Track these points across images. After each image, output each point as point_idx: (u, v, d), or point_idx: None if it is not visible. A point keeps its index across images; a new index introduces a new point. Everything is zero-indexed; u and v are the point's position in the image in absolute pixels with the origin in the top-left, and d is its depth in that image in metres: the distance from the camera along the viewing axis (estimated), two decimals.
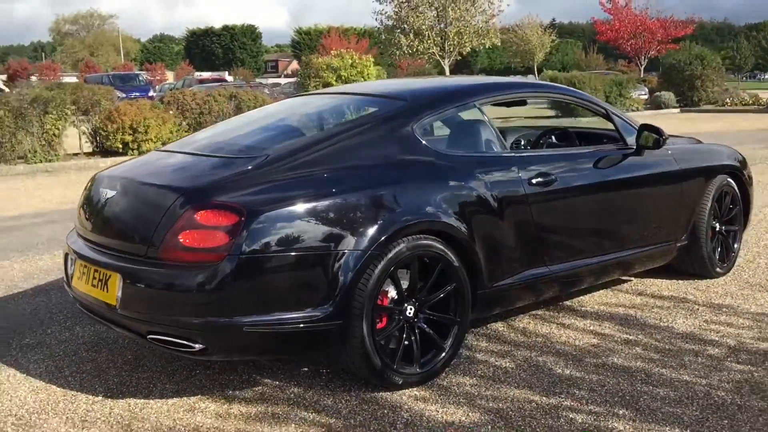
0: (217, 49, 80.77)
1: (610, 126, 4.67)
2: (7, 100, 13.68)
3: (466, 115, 4.01)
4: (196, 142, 3.99)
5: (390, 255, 3.29)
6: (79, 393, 3.49)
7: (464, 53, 21.62)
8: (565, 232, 4.17)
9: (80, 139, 14.60)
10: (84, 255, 3.44)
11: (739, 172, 5.25)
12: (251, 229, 3.02)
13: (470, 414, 3.19)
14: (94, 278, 3.34)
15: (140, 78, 33.85)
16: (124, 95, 28.62)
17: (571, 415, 3.15)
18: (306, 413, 3.23)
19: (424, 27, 19.92)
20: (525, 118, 6.90)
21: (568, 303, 4.70)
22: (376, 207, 3.29)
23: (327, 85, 17.56)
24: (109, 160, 12.88)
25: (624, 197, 4.48)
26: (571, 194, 4.14)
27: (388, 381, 3.37)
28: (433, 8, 19.79)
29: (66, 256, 3.69)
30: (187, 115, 15.26)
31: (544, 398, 3.33)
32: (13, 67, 62.37)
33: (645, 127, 4.50)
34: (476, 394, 3.40)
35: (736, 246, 5.33)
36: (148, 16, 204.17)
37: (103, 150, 14.56)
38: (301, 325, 3.12)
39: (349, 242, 3.18)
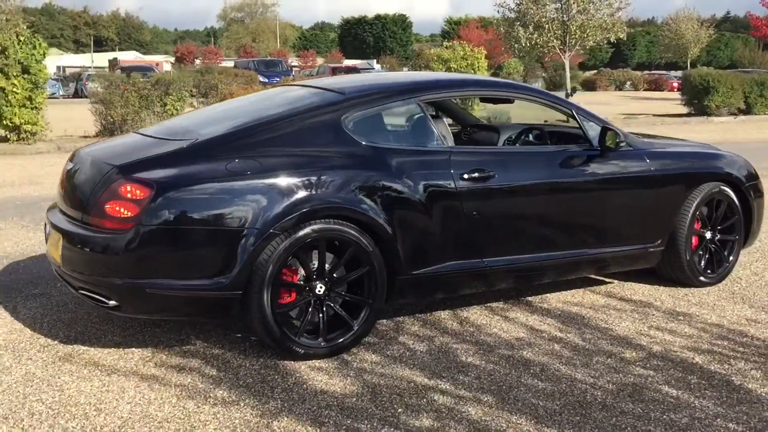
0: (369, 37, 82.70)
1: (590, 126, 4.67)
2: (134, 81, 14.98)
3: (405, 110, 4.23)
4: (164, 125, 4.47)
5: (295, 236, 3.60)
6: (42, 336, 4.07)
7: (587, 47, 21.03)
8: (506, 228, 4.29)
9: None
10: (51, 221, 4.00)
11: (738, 181, 5.08)
12: (159, 203, 3.44)
13: (348, 386, 3.46)
14: (53, 240, 3.89)
15: (283, 64, 35.54)
16: (266, 80, 30.23)
17: (435, 396, 3.35)
18: (211, 369, 3.63)
19: (544, 20, 19.63)
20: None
21: (530, 297, 4.80)
22: (285, 191, 3.61)
23: None
24: None
25: (580, 197, 4.52)
26: (513, 191, 4.25)
27: (289, 350, 3.70)
28: (556, 0, 19.45)
29: (45, 225, 4.28)
30: None
31: (425, 379, 3.54)
32: (180, 51, 66.82)
33: (606, 128, 4.51)
34: (369, 369, 3.66)
35: (731, 257, 5.16)
36: (312, 4, 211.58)
37: None
38: (202, 292, 3.51)
39: (252, 221, 3.52)
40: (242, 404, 3.27)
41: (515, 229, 4.33)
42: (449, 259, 4.11)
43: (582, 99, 31.96)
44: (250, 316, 3.62)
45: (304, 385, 3.47)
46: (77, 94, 30.63)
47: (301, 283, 3.75)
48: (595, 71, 49.98)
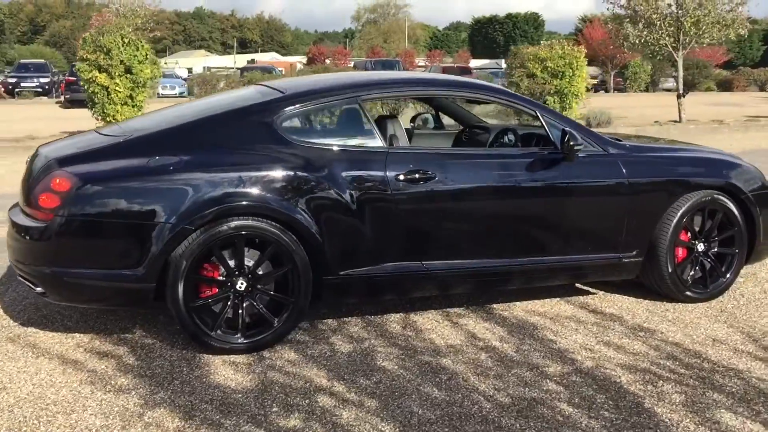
0: (499, 36, 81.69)
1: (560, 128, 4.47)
2: (232, 81, 15.65)
3: (344, 109, 4.21)
4: (123, 123, 4.65)
5: (210, 232, 3.69)
6: (7, 317, 4.38)
7: (703, 45, 19.73)
8: (449, 231, 4.18)
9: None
10: (9, 214, 4.28)
11: (736, 190, 4.69)
12: (77, 196, 3.62)
13: (245, 382, 3.51)
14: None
15: (399, 65, 35.85)
16: None
17: (320, 399, 3.34)
18: (131, 357, 3.78)
19: (655, 16, 18.64)
20: None
21: (495, 305, 4.65)
22: (203, 188, 3.70)
23: (532, 76, 17.38)
24: None
25: (536, 202, 4.33)
26: (456, 194, 4.14)
27: (204, 344, 3.79)
28: None
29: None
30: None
31: (324, 381, 3.52)
32: (312, 52, 68.81)
33: (564, 131, 4.29)
34: (277, 367, 3.69)
35: (728, 273, 4.76)
36: (450, 4, 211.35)
37: None
38: (117, 283, 3.67)
39: (166, 216, 3.64)
40: (133, 393, 3.39)
41: (460, 233, 4.21)
42: (385, 261, 4.06)
43: (708, 99, 30.26)
44: (168, 308, 3.74)
45: (204, 379, 3.55)
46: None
47: (222, 278, 3.82)
48: (735, 70, 46.84)
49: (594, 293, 4.92)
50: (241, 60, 74.23)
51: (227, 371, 3.64)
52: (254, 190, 3.78)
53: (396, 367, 3.70)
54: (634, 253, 4.55)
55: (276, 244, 3.81)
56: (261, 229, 3.78)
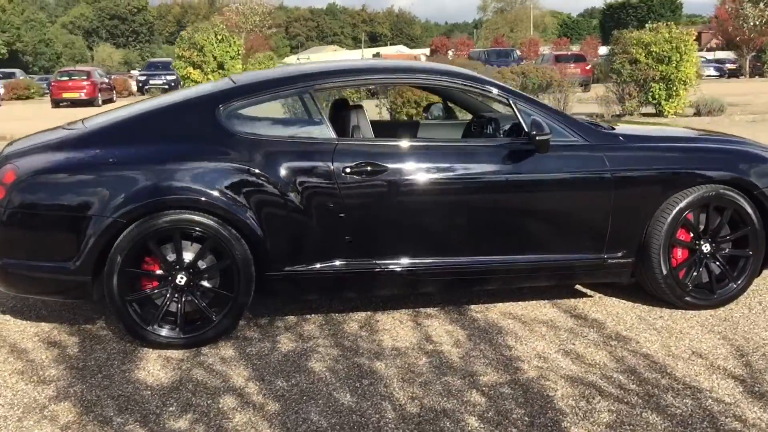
0: (632, 21, 77.87)
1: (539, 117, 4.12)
2: None
3: (294, 100, 4.05)
4: (90, 119, 4.65)
5: (145, 225, 3.67)
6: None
7: None
8: (404, 228, 3.95)
9: (380, 111, 16.14)
10: None
11: (748, 185, 4.16)
12: (19, 188, 3.69)
13: (162, 379, 3.46)
14: None
15: (514, 54, 34.99)
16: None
17: (224, 400, 3.23)
18: (74, 349, 3.83)
19: None
20: None
21: (472, 306, 4.37)
22: (139, 181, 3.68)
23: (635, 61, 16.40)
24: None
25: (503, 197, 4.01)
26: (409, 188, 3.91)
27: (144, 338, 3.78)
28: None
29: None
30: None
31: (242, 381, 3.41)
32: (435, 44, 68.69)
33: (533, 121, 3.94)
34: (204, 363, 3.61)
35: (740, 278, 4.24)
36: None
37: None
38: (55, 275, 3.72)
39: (101, 209, 3.64)
40: (52, 385, 3.41)
41: (415, 230, 3.97)
42: (334, 258, 3.90)
43: None
44: (105, 301, 3.75)
45: (128, 373, 3.53)
46: None
47: (160, 273, 3.79)
48: None
49: (590, 296, 4.53)
50: (368, 54, 75.14)
51: (154, 366, 3.61)
52: (190, 184, 3.71)
53: (324, 369, 3.54)
54: (621, 253, 4.13)
55: (213, 238, 3.73)
56: (197, 223, 3.71)
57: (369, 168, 3.85)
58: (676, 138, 4.55)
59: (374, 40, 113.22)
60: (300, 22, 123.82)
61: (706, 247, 4.23)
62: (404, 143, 4.02)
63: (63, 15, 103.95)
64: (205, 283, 3.83)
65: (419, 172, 3.91)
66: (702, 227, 4.23)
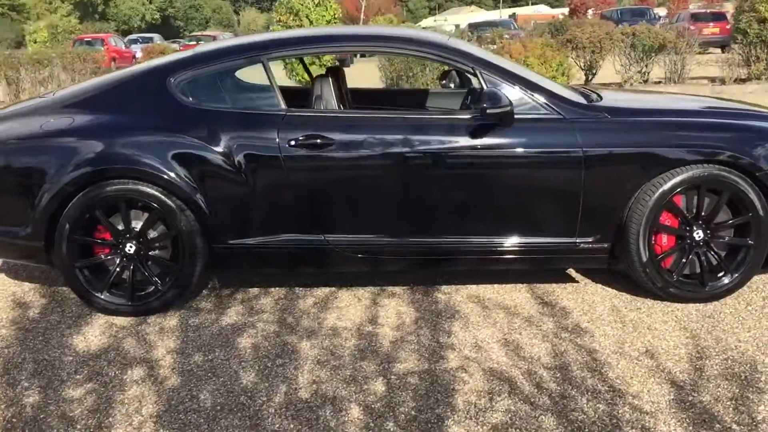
0: None
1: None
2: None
3: (248, 70, 3.94)
4: (62, 88, 4.74)
5: (90, 194, 3.72)
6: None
7: None
8: (354, 203, 3.78)
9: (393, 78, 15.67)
10: None
11: (750, 166, 3.67)
12: None
13: (94, 345, 3.53)
14: None
15: (650, 13, 32.85)
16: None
17: (130, 369, 3.26)
18: (37, 310, 3.98)
19: None
20: None
21: (443, 287, 4.15)
22: (86, 150, 3.73)
23: (763, 20, 14.95)
24: None
25: (461, 174, 3.74)
26: (357, 162, 3.73)
27: (92, 304, 3.87)
28: None
29: None
30: (579, 54, 15.07)
31: (159, 351, 3.43)
32: (574, 2, 65.85)
33: (490, 91, 3.63)
34: (138, 332, 3.65)
35: (737, 271, 3.77)
36: None
37: None
38: (10, 240, 3.86)
39: (51, 177, 3.72)
40: None
41: (364, 206, 3.79)
42: (281, 232, 3.81)
43: None
44: (57, 266, 3.86)
45: (66, 338, 3.62)
46: None
47: (109, 241, 3.85)
48: None
49: (576, 282, 4.18)
50: (505, 14, 73.21)
51: (94, 333, 3.68)
52: (135, 154, 3.72)
53: (249, 345, 3.48)
54: (593, 238, 3.78)
55: (158, 209, 3.74)
56: (141, 193, 3.73)
57: (314, 141, 3.70)
58: (673, 111, 4.06)
59: (515, 0, 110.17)
60: None
61: (698, 234, 3.78)
62: (355, 115, 3.85)
63: None
64: (155, 253, 3.85)
65: (368, 146, 3.72)
66: (695, 212, 3.78)
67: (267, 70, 3.88)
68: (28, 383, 3.16)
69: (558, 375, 3.09)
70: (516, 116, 3.66)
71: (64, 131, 3.80)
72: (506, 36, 15.77)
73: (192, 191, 3.71)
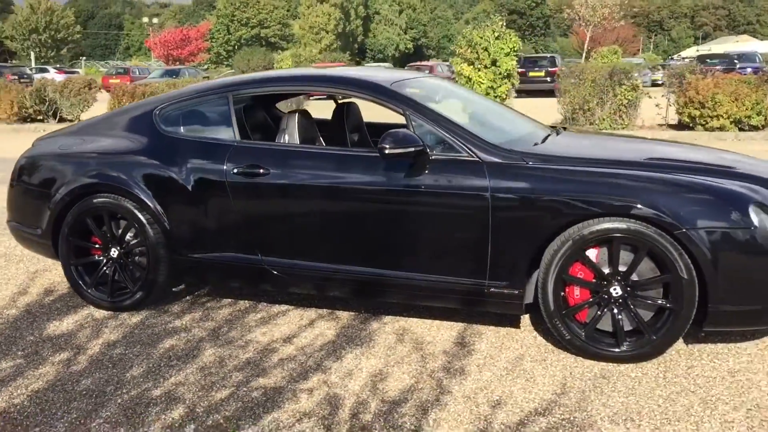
0: None
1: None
2: (583, 70, 15.15)
3: (210, 104, 4.41)
4: None
5: (82, 204, 4.46)
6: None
7: None
8: (286, 229, 4.12)
9: (667, 110, 14.93)
10: None
11: (669, 225, 3.44)
12: (21, 168, 4.76)
13: (66, 329, 4.20)
14: None
15: (757, 55, 29.37)
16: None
17: (61, 352, 3.86)
18: (50, 297, 4.79)
19: None
20: None
21: (387, 317, 4.32)
22: (84, 167, 4.47)
23: None
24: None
25: (375, 208, 3.90)
26: (286, 191, 4.06)
27: (82, 296, 4.58)
28: None
29: None
30: None
31: (96, 342, 4.00)
32: None
33: (390, 135, 3.78)
34: (106, 325, 4.27)
35: (658, 332, 3.54)
36: None
37: (680, 124, 14.68)
38: (30, 236, 4.71)
39: (57, 187, 4.52)
40: None
41: (295, 232, 4.11)
42: (227, 250, 4.25)
43: None
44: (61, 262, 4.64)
45: (48, 323, 4.35)
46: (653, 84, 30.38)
47: (102, 244, 4.54)
48: None
49: (517, 328, 4.13)
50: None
51: (71, 320, 4.37)
52: (117, 173, 4.38)
53: (165, 347, 3.93)
54: (506, 283, 3.74)
55: (130, 221, 4.36)
56: (119, 206, 4.37)
57: (253, 170, 4.10)
58: (604, 161, 3.82)
59: None
60: (708, 11, 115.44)
61: (615, 290, 3.60)
62: (289, 148, 4.19)
63: (467, 12, 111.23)
64: (134, 259, 4.48)
65: (298, 177, 4.04)
66: (612, 267, 3.61)
67: (229, 104, 4.36)
68: None
69: (384, 409, 3.17)
70: (433, 156, 3.79)
71: (75, 151, 4.58)
72: (698, 71, 14.74)
73: (156, 208, 4.28)
